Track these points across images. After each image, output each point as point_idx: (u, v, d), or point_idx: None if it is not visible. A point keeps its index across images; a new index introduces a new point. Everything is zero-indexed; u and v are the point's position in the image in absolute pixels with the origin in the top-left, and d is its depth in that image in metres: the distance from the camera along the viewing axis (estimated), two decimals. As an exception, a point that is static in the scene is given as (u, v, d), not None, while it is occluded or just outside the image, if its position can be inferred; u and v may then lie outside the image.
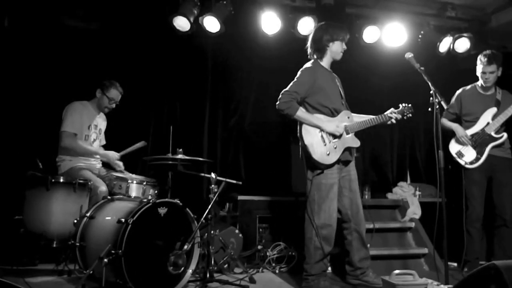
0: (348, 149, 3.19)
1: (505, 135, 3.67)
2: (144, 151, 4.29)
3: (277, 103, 3.10)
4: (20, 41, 4.23)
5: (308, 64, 3.26)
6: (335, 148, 3.10)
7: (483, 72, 3.68)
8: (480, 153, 3.66)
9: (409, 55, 3.09)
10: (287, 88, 3.12)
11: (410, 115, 3.30)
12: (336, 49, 3.23)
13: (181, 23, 4.28)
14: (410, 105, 3.30)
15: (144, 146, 3.90)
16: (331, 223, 3.11)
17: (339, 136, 3.12)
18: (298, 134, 3.14)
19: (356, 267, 3.25)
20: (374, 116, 3.24)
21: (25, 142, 4.05)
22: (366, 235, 3.31)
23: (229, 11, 4.33)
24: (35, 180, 3.21)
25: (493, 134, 3.67)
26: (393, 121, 3.26)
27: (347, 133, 3.16)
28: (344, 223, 3.26)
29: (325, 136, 3.10)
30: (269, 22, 4.41)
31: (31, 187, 3.22)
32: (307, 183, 3.17)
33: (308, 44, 3.33)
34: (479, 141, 3.68)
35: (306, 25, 4.42)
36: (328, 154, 3.07)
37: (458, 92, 3.92)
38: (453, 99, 3.90)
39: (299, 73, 3.21)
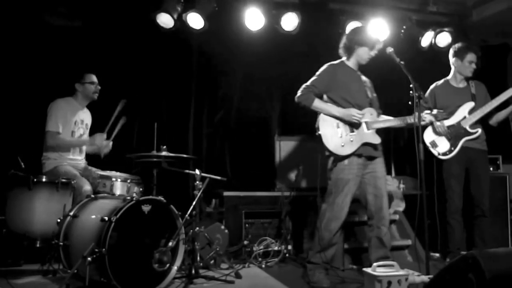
0: (370, 145, 3.20)
1: (479, 130, 3.69)
2: (129, 149, 4.26)
3: (296, 96, 3.19)
4: (1, 39, 4.15)
5: (333, 62, 3.32)
6: (351, 141, 3.13)
7: (472, 62, 3.72)
8: (453, 145, 3.70)
9: (389, 49, 3.14)
10: (306, 82, 3.21)
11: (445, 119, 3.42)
12: (362, 53, 3.27)
13: (165, 20, 4.26)
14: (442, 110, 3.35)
15: (125, 122, 3.77)
16: (341, 216, 3.16)
17: (357, 130, 3.16)
18: (316, 125, 3.20)
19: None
20: (399, 118, 3.31)
21: (7, 141, 3.99)
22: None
23: (213, 7, 4.32)
24: (17, 179, 3.17)
25: (468, 128, 3.70)
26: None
27: (368, 129, 3.20)
28: (368, 219, 3.28)
29: (342, 128, 3.16)
30: (253, 18, 4.41)
31: (13, 187, 3.19)
32: (327, 174, 3.23)
33: (341, 42, 3.36)
34: (454, 134, 3.71)
35: (290, 21, 4.44)
36: (343, 146, 3.12)
37: (431, 87, 3.94)
38: (427, 94, 3.88)
39: (321, 68, 3.28)
